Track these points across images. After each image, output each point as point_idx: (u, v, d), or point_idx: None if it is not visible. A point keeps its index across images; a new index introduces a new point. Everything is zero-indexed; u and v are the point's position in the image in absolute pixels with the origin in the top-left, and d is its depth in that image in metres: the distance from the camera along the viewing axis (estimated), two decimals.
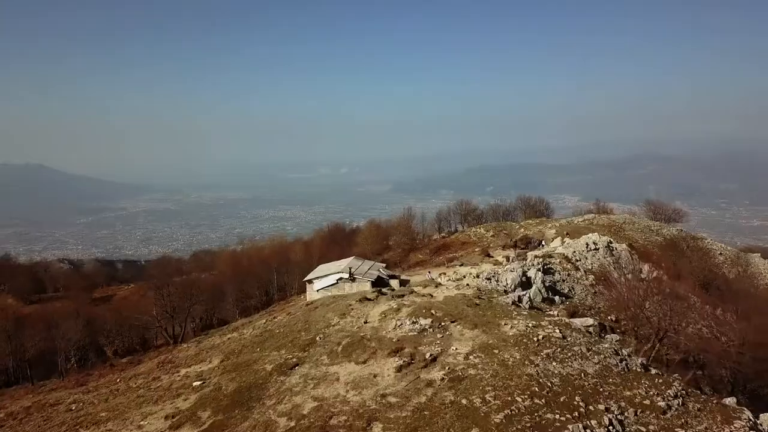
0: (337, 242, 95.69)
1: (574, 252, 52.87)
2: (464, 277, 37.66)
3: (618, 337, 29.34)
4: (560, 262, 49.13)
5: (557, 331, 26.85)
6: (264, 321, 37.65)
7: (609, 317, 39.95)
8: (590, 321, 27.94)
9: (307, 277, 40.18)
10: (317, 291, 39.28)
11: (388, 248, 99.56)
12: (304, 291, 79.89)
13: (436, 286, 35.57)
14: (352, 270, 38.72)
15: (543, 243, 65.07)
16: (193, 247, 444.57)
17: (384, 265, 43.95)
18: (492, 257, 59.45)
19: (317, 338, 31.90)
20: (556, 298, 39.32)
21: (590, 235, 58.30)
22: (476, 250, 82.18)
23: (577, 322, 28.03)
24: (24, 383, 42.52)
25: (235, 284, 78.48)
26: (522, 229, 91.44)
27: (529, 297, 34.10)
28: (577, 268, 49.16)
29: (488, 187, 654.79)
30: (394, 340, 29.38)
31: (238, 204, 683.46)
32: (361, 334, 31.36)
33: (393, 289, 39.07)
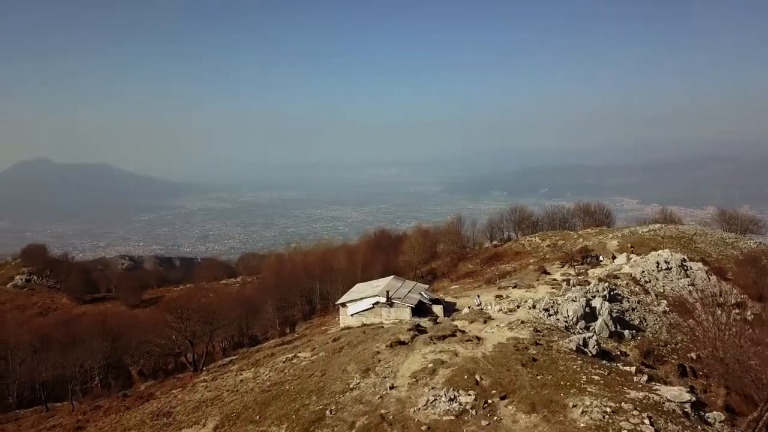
0: (382, 249, 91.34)
1: (643, 272, 46.56)
2: (518, 307, 32.26)
3: (723, 416, 23.25)
4: (627, 284, 43.10)
5: (646, 420, 19.79)
6: (285, 359, 33.08)
7: (689, 355, 33.92)
8: (686, 395, 21.78)
9: (341, 300, 35.88)
10: (351, 315, 35.03)
11: (435, 256, 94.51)
12: None
13: (485, 321, 30.27)
14: (390, 293, 34.18)
15: (600, 258, 58.46)
16: (248, 245, 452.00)
17: (426, 287, 39.13)
18: (548, 274, 53.69)
19: (327, 412, 25.14)
20: (626, 332, 33.45)
21: (660, 252, 51.67)
22: (531, 261, 76.15)
23: (667, 394, 22.01)
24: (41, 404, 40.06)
25: (277, 291, 75.23)
26: (581, 239, 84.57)
27: (596, 338, 28.33)
28: (647, 292, 43.00)
29: (542, 188, 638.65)
30: (423, 430, 22.05)
31: (292, 204, 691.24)
32: (382, 412, 24.21)
33: (436, 318, 34.18)
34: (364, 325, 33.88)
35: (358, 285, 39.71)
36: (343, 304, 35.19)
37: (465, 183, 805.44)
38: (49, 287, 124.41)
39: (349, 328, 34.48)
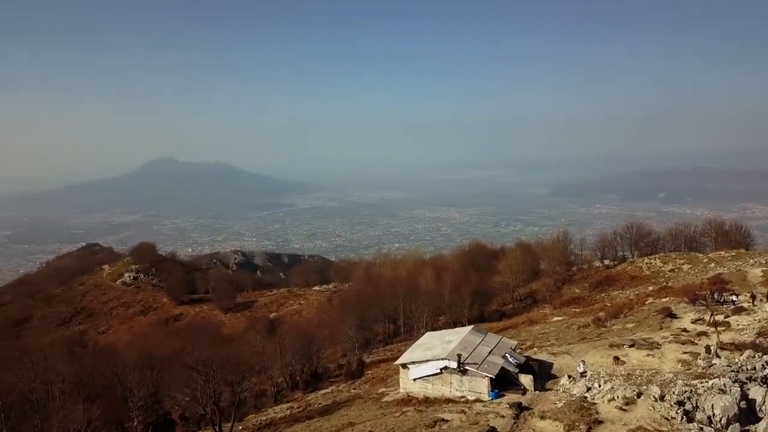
0: (475, 267, 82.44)
1: None
2: (638, 396, 22.64)
3: None
4: None
5: None
6: (332, 425, 26.27)
7: None
8: None
9: (402, 359, 28.33)
10: (414, 380, 27.50)
11: (537, 275, 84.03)
12: (432, 327, 68.53)
13: (589, 409, 21.27)
14: (464, 356, 26.17)
15: (735, 297, 45.74)
16: (353, 243, 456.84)
17: (514, 343, 30.44)
18: (675, 317, 42.72)
19: None
20: None
21: None
22: (650, 290, 64.18)
23: None
24: None
25: (360, 307, 68.96)
26: (712, 264, 70.84)
27: None
28: None
29: (659, 193, 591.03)
30: None
31: (395, 204, 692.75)
32: None
33: (524, 389, 25.70)
34: (426, 399, 26.30)
35: (427, 335, 32.00)
36: (404, 365, 27.74)
37: (574, 186, 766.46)
38: (153, 286, 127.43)
39: (410, 398, 27.03)
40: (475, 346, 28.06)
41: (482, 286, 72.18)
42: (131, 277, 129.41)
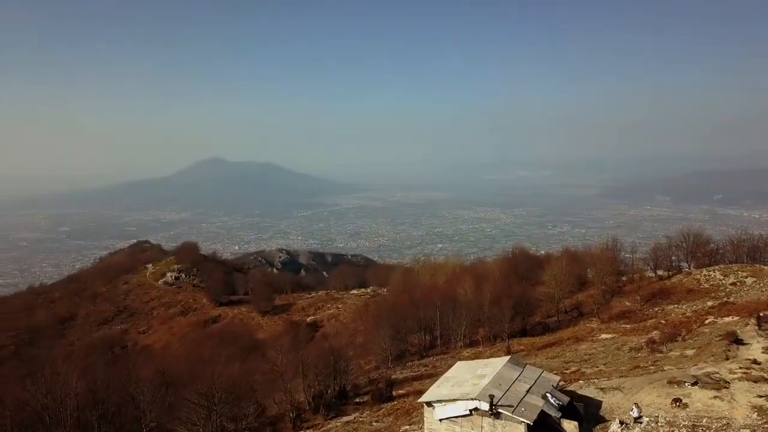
0: (519, 275, 77.79)
1: None
2: None
3: None
4: None
5: None
6: None
7: None
8: None
9: (428, 396, 24.71)
10: (440, 421, 23.96)
11: (584, 285, 78.81)
12: (470, 345, 64.77)
13: None
14: (498, 397, 22.49)
15: None
16: (396, 243, 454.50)
17: (557, 380, 26.37)
18: (742, 343, 37.81)
19: None
20: None
21: None
22: (709, 305, 58.51)
23: None
24: None
25: (395, 316, 65.68)
26: None
27: None
28: None
29: (716, 195, 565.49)
30: None
31: (439, 204, 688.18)
32: None
33: None
34: None
35: (457, 366, 28.25)
36: (429, 403, 24.22)
37: (623, 186, 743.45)
38: (194, 286, 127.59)
39: None
40: (511, 382, 24.37)
41: (525, 296, 67.72)
42: (173, 277, 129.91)
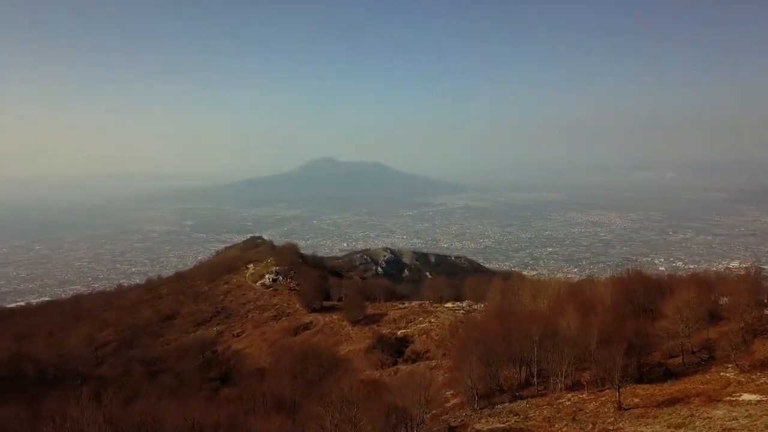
0: (634, 304, 66.04)
1: None
2: None
3: None
4: None
5: None
6: None
7: None
8: None
9: None
10: None
11: (716, 318, 65.49)
12: (572, 387, 54.99)
13: None
14: None
15: None
16: (503, 245, 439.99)
17: None
18: None
19: None
20: None
21: None
22: None
23: None
24: None
25: (484, 345, 57.43)
26: None
27: None
28: None
29: None
30: None
31: (549, 206, 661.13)
32: None
33: None
34: None
35: None
36: None
37: (758, 191, 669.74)
38: (290, 289, 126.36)
39: None
40: None
41: (641, 330, 56.59)
42: (270, 279, 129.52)
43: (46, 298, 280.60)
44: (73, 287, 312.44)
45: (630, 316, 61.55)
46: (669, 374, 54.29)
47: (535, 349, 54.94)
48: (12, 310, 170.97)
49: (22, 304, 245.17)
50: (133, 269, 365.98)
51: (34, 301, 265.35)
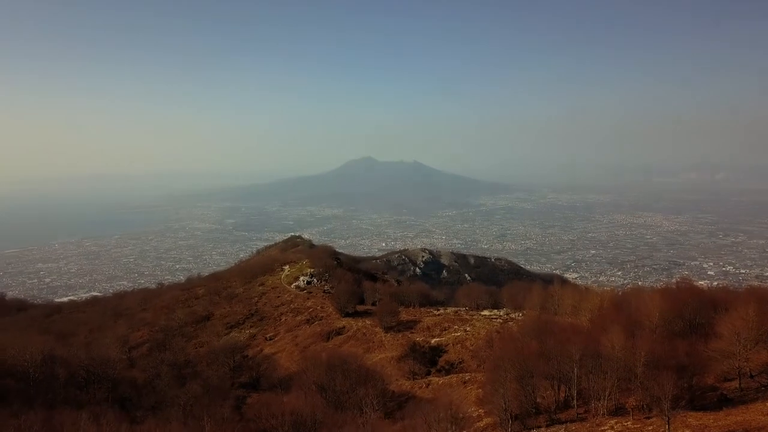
0: (684, 320, 60.47)
1: None
2: None
3: None
4: None
5: None
6: None
7: None
8: None
9: None
10: None
11: None
12: (615, 412, 50.54)
13: None
14: None
15: None
16: (545, 247, 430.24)
17: None
18: None
19: None
20: None
21: None
22: None
23: None
24: None
25: (520, 359, 53.64)
26: None
27: None
28: None
29: None
30: None
31: (594, 207, 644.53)
32: None
33: None
34: None
35: None
36: None
37: None
38: (324, 292, 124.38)
39: None
40: None
41: (693, 350, 51.76)
42: (305, 282, 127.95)
43: (96, 293, 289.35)
44: (120, 283, 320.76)
45: (680, 334, 56.57)
46: (725, 401, 49.23)
47: (575, 368, 50.87)
48: (60, 305, 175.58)
49: (74, 298, 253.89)
50: (177, 266, 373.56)
51: (84, 295, 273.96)
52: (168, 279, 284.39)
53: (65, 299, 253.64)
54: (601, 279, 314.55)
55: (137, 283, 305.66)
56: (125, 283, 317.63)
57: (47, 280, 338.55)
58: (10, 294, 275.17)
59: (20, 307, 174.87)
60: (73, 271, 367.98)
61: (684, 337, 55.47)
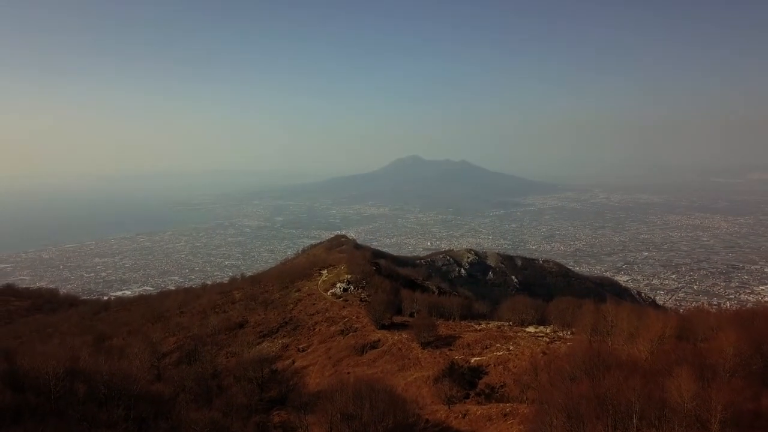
0: (765, 359, 51.21)
1: None
2: None
3: None
4: None
5: None
6: None
7: None
8: None
9: None
10: None
11: None
12: None
13: None
14: None
15: None
16: (595, 248, 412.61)
17: None
18: None
19: None
20: None
21: None
22: None
23: None
24: None
25: (569, 406, 45.93)
26: None
27: None
28: None
29: None
30: None
31: (647, 208, 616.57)
32: None
33: None
34: None
35: None
36: None
37: None
38: (361, 300, 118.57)
39: None
40: None
41: None
42: (341, 288, 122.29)
43: (149, 287, 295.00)
44: (172, 278, 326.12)
45: (761, 375, 47.38)
46: None
47: (635, 421, 42.88)
48: (108, 303, 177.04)
49: (128, 293, 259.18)
50: (226, 262, 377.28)
51: (137, 290, 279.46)
52: (217, 275, 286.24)
53: (119, 293, 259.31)
54: (653, 282, 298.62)
55: (188, 278, 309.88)
56: (176, 278, 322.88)
57: (103, 274, 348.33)
58: (69, 287, 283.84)
59: (72, 302, 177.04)
60: (127, 265, 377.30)
61: (765, 380, 46.35)
